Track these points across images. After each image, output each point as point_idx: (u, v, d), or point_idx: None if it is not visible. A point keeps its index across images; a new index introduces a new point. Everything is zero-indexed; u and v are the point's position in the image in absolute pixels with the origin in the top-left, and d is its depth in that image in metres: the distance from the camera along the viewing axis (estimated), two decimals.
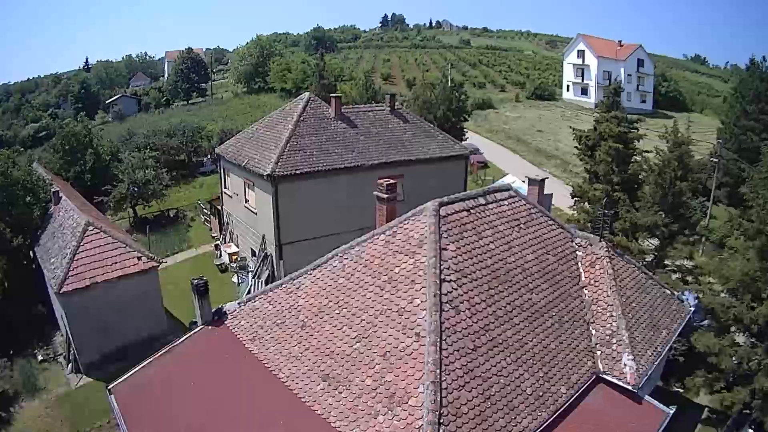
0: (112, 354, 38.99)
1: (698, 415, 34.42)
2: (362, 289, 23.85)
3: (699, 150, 60.47)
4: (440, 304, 21.26)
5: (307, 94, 57.03)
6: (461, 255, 23.79)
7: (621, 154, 49.87)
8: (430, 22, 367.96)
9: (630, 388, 24.01)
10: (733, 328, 32.68)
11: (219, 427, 21.70)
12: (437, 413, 18.30)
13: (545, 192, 34.51)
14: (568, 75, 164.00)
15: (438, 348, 19.89)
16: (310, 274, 26.35)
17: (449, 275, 22.56)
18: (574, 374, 23.64)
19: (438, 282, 21.89)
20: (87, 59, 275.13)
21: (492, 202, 27.73)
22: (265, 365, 23.66)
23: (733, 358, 30.58)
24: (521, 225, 28.03)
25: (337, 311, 23.80)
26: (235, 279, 53.00)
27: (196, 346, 26.92)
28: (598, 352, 25.39)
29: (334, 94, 57.81)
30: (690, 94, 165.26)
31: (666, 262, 41.21)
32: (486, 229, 26.03)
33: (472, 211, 26.25)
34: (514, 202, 29.00)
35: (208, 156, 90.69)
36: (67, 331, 40.77)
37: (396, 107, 59.38)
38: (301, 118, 51.27)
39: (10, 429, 35.33)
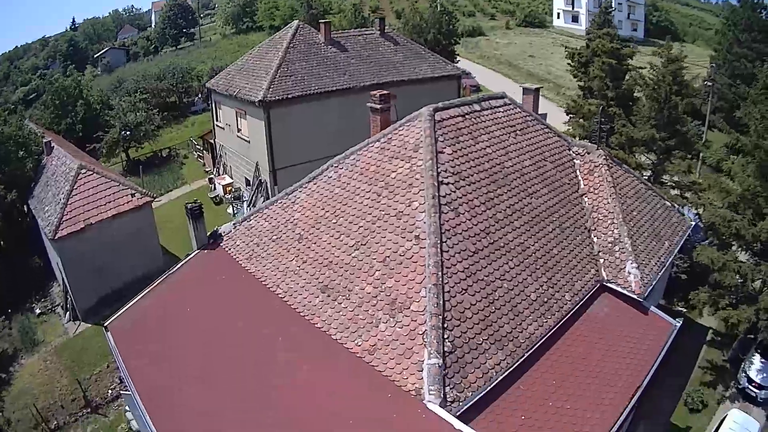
0: (109, 296, 38.35)
1: (703, 337, 34.11)
2: (359, 197, 23.25)
3: (692, 75, 59.41)
4: (439, 206, 20.66)
5: (296, 21, 56.37)
6: (458, 158, 23.12)
7: (614, 70, 49.31)
8: None
9: (635, 296, 23.49)
10: (734, 246, 32.15)
11: (218, 351, 21.24)
12: (440, 317, 17.78)
13: (539, 112, 33.66)
14: (559, 2, 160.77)
15: (438, 250, 19.31)
16: (306, 188, 25.76)
17: (447, 178, 21.93)
18: (578, 281, 23.15)
19: (435, 184, 21.26)
20: (74, 19, 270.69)
21: (487, 109, 26.98)
22: (263, 282, 23.22)
23: (737, 276, 30.01)
24: (517, 131, 27.30)
25: (334, 221, 23.23)
26: (230, 210, 52.44)
27: (191, 271, 26.45)
28: (601, 260, 24.84)
29: (323, 20, 56.96)
30: (682, 25, 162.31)
31: (664, 178, 40.64)
32: (482, 134, 25.32)
33: (467, 116, 25.49)
34: (509, 110, 28.24)
35: (199, 95, 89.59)
36: (63, 279, 40.28)
37: (386, 31, 58.35)
38: (291, 45, 50.64)
39: (11, 390, 35.01)
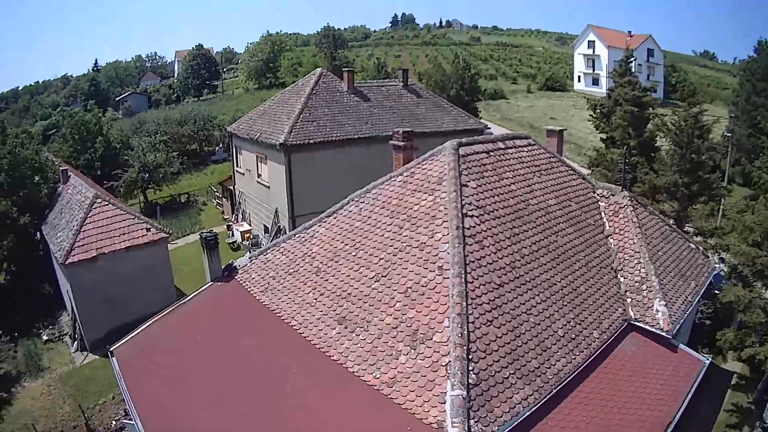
0: (119, 330, 37.18)
1: (728, 381, 33.19)
2: (380, 230, 22.60)
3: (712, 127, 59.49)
4: (463, 237, 19.97)
5: (319, 69, 56.72)
6: (482, 193, 22.60)
7: (636, 118, 49.59)
8: (440, 22, 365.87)
9: (664, 334, 22.72)
10: (759, 285, 31.40)
11: (227, 383, 20.31)
12: (465, 348, 16.84)
13: None
14: (579, 66, 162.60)
15: (463, 280, 18.51)
16: (325, 221, 25.23)
17: (471, 211, 21.32)
18: (606, 320, 22.34)
19: (460, 216, 20.63)
20: (96, 61, 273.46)
21: (511, 148, 26.69)
22: (277, 315, 22.45)
23: (763, 314, 29.23)
24: (542, 171, 26.93)
25: (353, 253, 22.53)
26: (247, 256, 51.96)
27: (204, 302, 25.86)
28: (629, 299, 24.13)
29: (346, 69, 57.23)
30: (700, 86, 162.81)
31: (687, 227, 40.11)
32: (506, 171, 24.92)
33: (491, 153, 25.15)
34: (533, 150, 27.94)
35: (220, 145, 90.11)
36: (72, 307, 39.67)
37: (409, 84, 58.47)
38: (314, 92, 50.91)
39: (11, 409, 34.27)
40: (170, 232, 43.15)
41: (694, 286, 27.00)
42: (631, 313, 23.63)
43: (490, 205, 22.38)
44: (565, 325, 20.51)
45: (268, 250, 26.48)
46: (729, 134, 65.75)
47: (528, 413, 17.00)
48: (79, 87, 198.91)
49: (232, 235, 56.83)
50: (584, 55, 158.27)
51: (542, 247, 22.76)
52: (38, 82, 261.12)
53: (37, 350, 40.15)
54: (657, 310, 23.27)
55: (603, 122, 56.72)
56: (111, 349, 24.72)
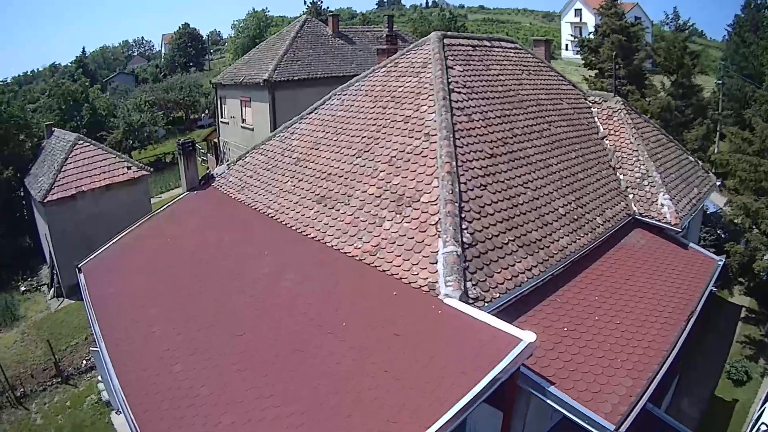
0: None
1: (736, 316, 32.34)
2: (362, 114, 21.38)
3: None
4: (450, 108, 18.63)
5: (304, 16, 55.95)
6: (469, 76, 21.34)
7: (624, 48, 48.93)
8: (427, 2, 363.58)
9: (672, 227, 21.45)
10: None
11: (196, 279, 18.58)
12: (457, 205, 15.36)
13: None
14: (566, 34, 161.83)
15: (451, 143, 17.15)
16: (306, 118, 23.98)
17: (458, 88, 20.06)
18: (609, 209, 21.06)
19: (446, 90, 19.34)
20: (84, 48, 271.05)
21: (497, 47, 25.40)
22: (253, 208, 21.33)
23: None
24: (530, 71, 25.67)
25: (334, 138, 21.32)
26: None
27: (177, 209, 24.72)
28: (630, 195, 22.89)
29: (331, 13, 56.34)
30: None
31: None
32: (494, 64, 23.66)
33: (477, 47, 23.85)
34: (520, 52, 26.76)
35: (206, 111, 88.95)
36: (50, 251, 38.34)
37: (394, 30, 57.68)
38: (299, 35, 50.30)
39: None
40: (151, 170, 42.03)
41: (697, 192, 25.69)
42: (635, 208, 22.40)
43: (477, 86, 21.11)
44: (566, 205, 19.16)
45: (247, 154, 25.20)
46: (719, 82, 65.12)
47: (533, 285, 15.54)
48: (67, 71, 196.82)
49: None
50: (571, 23, 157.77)
51: (535, 131, 21.47)
52: (26, 72, 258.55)
53: (14, 301, 38.96)
54: (662, 204, 22.06)
55: (591, 56, 55.99)
56: (79, 265, 23.24)
